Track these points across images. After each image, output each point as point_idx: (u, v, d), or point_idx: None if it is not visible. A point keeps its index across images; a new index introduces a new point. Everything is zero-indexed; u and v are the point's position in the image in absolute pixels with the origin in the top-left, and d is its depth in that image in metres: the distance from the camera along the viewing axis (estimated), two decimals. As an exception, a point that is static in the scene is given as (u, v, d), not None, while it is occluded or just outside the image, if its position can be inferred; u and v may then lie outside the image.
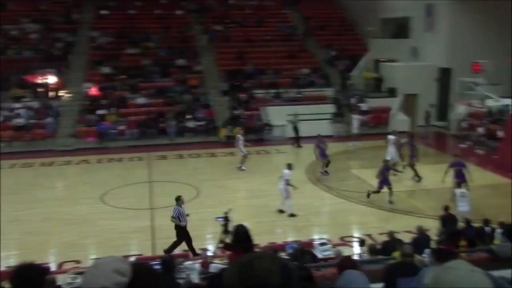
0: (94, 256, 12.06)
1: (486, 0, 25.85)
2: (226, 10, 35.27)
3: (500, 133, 21.49)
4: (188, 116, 25.93)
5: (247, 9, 35.86)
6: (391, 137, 20.12)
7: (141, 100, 26.85)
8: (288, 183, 14.85)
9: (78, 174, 20.52)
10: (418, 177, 18.15)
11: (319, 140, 19.55)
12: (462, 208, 13.57)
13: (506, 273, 6.11)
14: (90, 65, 29.19)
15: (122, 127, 25.11)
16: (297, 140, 24.20)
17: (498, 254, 7.30)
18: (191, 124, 25.71)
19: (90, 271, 1.86)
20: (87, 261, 11.24)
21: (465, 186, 14.96)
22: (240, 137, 20.36)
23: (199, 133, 25.64)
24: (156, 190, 17.43)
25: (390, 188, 15.61)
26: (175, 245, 11.80)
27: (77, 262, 11.51)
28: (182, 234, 11.85)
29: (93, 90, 27.11)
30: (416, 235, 10.80)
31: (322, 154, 19.19)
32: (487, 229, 10.99)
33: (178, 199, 12.27)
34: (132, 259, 11.43)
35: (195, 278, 8.58)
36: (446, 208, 11.80)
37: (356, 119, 25.45)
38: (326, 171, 18.98)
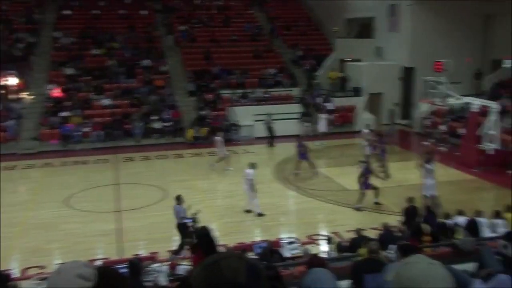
0: (59, 261, 11.80)
1: (446, 0, 26.51)
2: (191, 10, 35.08)
3: (461, 131, 22.02)
4: (154, 117, 25.67)
5: (213, 9, 35.76)
6: (365, 131, 20.39)
7: (106, 102, 26.45)
8: (251, 182, 14.77)
9: (41, 177, 20.06)
10: (386, 175, 18.40)
11: (299, 142, 19.48)
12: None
13: (468, 266, 6.28)
14: (53, 66, 28.59)
15: (86, 129, 24.68)
16: (271, 140, 24.20)
17: (461, 248, 7.47)
18: (157, 125, 25.46)
19: (53, 277, 1.82)
20: (51, 266, 11.00)
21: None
22: (219, 139, 20.17)
23: (165, 134, 25.43)
24: (123, 193, 17.20)
25: (374, 188, 15.53)
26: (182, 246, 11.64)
27: (42, 267, 11.26)
28: (186, 233, 11.72)
29: (56, 92, 26.54)
30: (382, 232, 10.98)
31: (301, 155, 19.12)
32: (448, 223, 11.25)
33: (178, 198, 12.22)
34: (99, 263, 11.28)
35: (163, 281, 8.50)
36: (410, 200, 11.98)
37: (323, 118, 25.63)
38: (314, 172, 18.93)
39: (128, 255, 11.38)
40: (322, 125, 25.18)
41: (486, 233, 11.35)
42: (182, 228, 11.82)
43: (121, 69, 28.87)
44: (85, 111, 25.61)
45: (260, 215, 14.68)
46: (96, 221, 14.53)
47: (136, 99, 26.79)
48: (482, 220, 11.79)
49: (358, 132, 26.53)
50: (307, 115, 26.33)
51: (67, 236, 13.45)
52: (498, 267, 5.24)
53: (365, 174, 15.29)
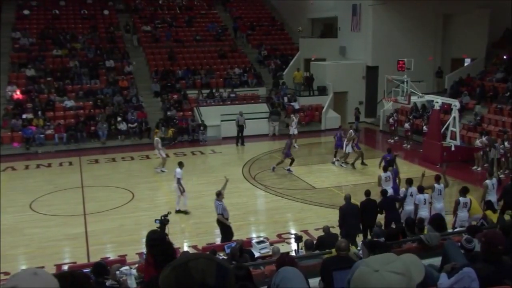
0: (24, 267, 11.54)
1: (406, 0, 27.09)
2: (155, 10, 34.76)
3: (424, 128, 22.53)
4: (119, 119, 25.32)
5: (176, 9, 35.49)
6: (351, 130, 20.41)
7: (69, 103, 25.94)
8: (179, 181, 14.92)
9: (4, 181, 19.45)
10: (353, 167, 19.26)
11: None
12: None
13: (434, 260, 6.45)
14: (13, 68, 27.85)
15: (49, 132, 24.13)
16: (241, 139, 24.13)
17: (427, 243, 7.63)
18: (123, 126, 25.14)
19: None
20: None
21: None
22: (159, 140, 20.06)
23: (131, 136, 25.13)
24: (89, 195, 16.93)
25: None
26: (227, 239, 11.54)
27: (6, 274, 10.97)
28: (227, 230, 11.75)
29: (17, 94, 25.87)
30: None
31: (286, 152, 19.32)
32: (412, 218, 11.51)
33: (219, 194, 12.15)
34: (65, 267, 11.09)
35: (132, 283, 8.41)
36: (368, 193, 12.16)
37: (293, 118, 25.51)
38: (289, 169, 19.23)
39: (96, 258, 11.21)
40: (293, 125, 24.57)
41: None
42: (220, 223, 11.97)
43: (83, 70, 28.37)
44: (47, 113, 25.06)
45: (184, 212, 14.89)
46: (61, 225, 14.26)
47: (100, 100, 26.38)
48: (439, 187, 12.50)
49: (324, 131, 26.92)
50: (275, 114, 26.41)
51: (32, 241, 13.16)
52: (462, 260, 5.42)
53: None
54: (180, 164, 15.33)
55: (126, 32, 32.27)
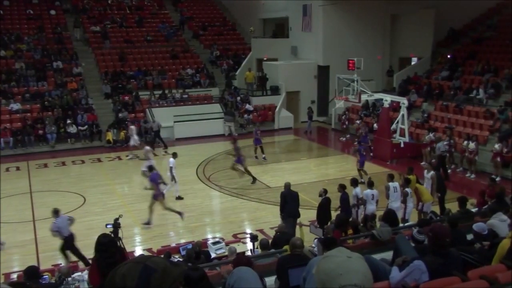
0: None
1: (355, 0, 27.64)
2: (104, 10, 34.06)
3: (375, 126, 23.04)
4: (69, 121, 24.64)
5: (126, 9, 34.88)
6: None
7: (15, 106, 25.04)
8: (171, 170, 15.93)
9: None
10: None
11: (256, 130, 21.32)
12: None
13: (387, 255, 6.60)
14: (-46, 70, 26.71)
15: (-5, 136, 23.27)
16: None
17: (379, 238, 7.81)
18: (72, 129, 24.49)
19: None
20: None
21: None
22: (148, 149, 18.94)
23: (81, 138, 24.53)
24: (38, 201, 16.41)
25: None
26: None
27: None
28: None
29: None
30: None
31: (256, 140, 20.85)
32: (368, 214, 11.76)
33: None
34: (15, 276, 10.72)
35: (85, 289, 8.23)
36: (324, 192, 12.39)
37: (246, 118, 25.56)
38: (261, 157, 20.78)
39: (47, 265, 10.90)
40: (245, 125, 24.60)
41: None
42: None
43: (30, 72, 27.48)
44: (-8, 117, 24.14)
45: (179, 198, 16.18)
46: (9, 232, 13.74)
47: (48, 103, 25.59)
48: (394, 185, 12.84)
49: (278, 130, 27.11)
50: (229, 115, 26.39)
51: (-23, 250, 12.62)
52: (413, 254, 5.57)
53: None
54: (174, 155, 16.58)
55: (79, 33, 31.47)
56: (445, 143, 18.56)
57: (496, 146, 18.11)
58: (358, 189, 12.81)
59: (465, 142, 18.63)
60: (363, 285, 1.76)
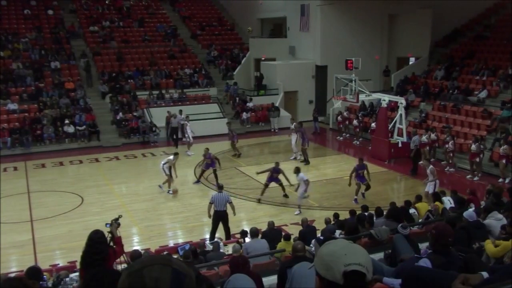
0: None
1: (353, 0, 27.66)
2: (102, 10, 34.01)
3: (373, 125, 23.05)
4: (67, 121, 24.60)
5: (124, 9, 34.84)
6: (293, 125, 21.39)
7: (12, 106, 25.01)
8: (163, 166, 16.69)
9: None
10: (307, 162, 19.79)
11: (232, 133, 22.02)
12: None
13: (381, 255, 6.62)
14: (-48, 70, 26.65)
15: (-8, 136, 23.22)
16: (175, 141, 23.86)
17: (377, 238, 7.83)
18: (70, 129, 24.46)
19: None
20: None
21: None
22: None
23: (79, 138, 24.50)
24: (36, 201, 16.39)
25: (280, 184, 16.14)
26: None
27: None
28: None
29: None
30: (302, 228, 11.29)
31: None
32: (366, 214, 11.75)
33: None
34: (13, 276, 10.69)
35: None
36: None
37: (245, 117, 25.45)
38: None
39: (45, 265, 10.88)
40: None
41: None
42: None
43: (28, 72, 27.43)
44: (-11, 117, 24.09)
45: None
46: (7, 233, 13.73)
47: (46, 103, 25.55)
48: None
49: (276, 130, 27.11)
50: (229, 114, 26.34)
51: (-25, 251, 12.60)
52: (410, 253, 5.59)
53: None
54: (176, 154, 17.46)
55: (78, 33, 31.43)
56: (424, 137, 19.51)
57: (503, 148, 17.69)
58: (301, 174, 14.91)
59: (473, 146, 18.06)
60: (366, 266, 1.78)
